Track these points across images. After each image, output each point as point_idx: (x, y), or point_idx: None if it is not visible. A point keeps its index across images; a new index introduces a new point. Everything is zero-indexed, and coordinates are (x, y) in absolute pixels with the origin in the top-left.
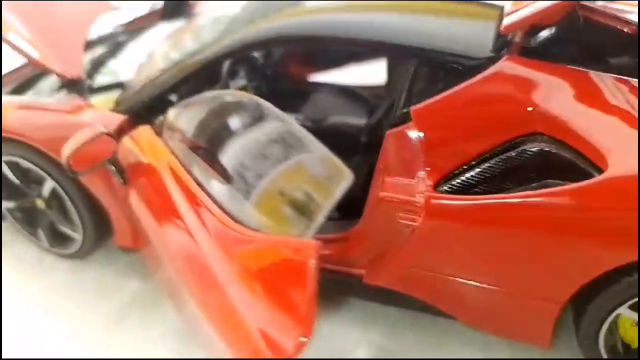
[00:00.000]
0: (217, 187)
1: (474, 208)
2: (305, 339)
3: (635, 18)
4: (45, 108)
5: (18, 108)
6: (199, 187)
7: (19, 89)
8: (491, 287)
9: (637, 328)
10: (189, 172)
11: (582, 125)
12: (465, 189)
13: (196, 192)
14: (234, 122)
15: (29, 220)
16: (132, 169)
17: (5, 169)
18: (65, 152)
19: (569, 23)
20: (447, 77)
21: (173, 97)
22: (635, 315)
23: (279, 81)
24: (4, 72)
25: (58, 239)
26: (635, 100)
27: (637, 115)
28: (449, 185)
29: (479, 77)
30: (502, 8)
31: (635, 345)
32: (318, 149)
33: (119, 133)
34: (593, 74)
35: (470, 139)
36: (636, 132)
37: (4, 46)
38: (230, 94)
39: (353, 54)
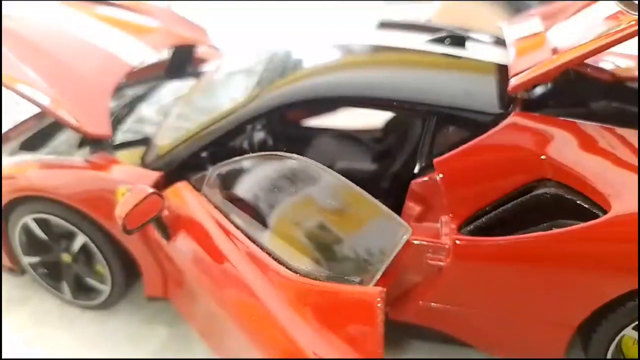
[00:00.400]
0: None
1: (497, 247)
2: None
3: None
4: (76, 166)
5: (42, 167)
6: (247, 238)
7: (28, 145)
8: (510, 316)
9: (637, 346)
10: (236, 226)
11: (585, 171)
12: (485, 231)
13: (246, 243)
14: (284, 181)
15: (53, 274)
16: (173, 224)
17: (33, 226)
18: (121, 212)
19: (563, 77)
20: (458, 130)
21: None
22: (636, 335)
23: (281, 127)
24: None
25: (82, 291)
26: (618, 144)
27: (626, 158)
28: (470, 228)
29: (493, 131)
30: (505, 66)
31: None
32: (378, 205)
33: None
34: (586, 125)
35: (487, 186)
36: (630, 174)
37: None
38: (277, 155)
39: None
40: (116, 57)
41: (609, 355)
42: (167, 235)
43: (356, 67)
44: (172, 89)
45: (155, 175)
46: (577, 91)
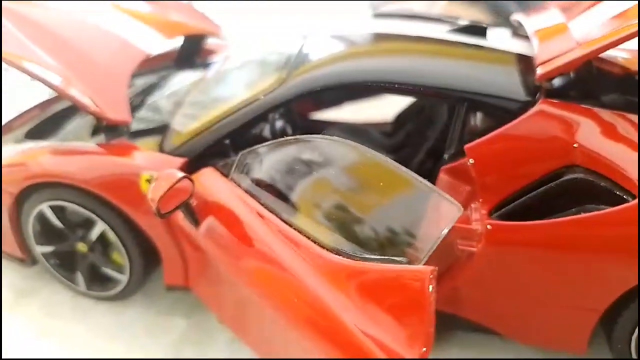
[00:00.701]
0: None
1: (528, 231)
2: (425, 349)
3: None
4: (94, 152)
5: (56, 153)
6: (282, 221)
7: (34, 134)
8: (538, 301)
9: None
10: (270, 209)
11: (613, 157)
12: (514, 217)
13: (282, 226)
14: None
15: (66, 264)
16: (201, 209)
17: (49, 213)
18: (154, 195)
19: (583, 68)
20: (487, 117)
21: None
22: None
23: (300, 119)
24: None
25: (97, 282)
26: (633, 130)
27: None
28: (500, 213)
29: (522, 117)
30: (526, 56)
31: None
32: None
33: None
34: (602, 112)
35: (517, 172)
36: None
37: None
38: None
39: (352, 93)
40: (131, 45)
41: (632, 343)
42: (196, 221)
43: (384, 54)
44: (183, 79)
45: (179, 161)
46: (593, 82)
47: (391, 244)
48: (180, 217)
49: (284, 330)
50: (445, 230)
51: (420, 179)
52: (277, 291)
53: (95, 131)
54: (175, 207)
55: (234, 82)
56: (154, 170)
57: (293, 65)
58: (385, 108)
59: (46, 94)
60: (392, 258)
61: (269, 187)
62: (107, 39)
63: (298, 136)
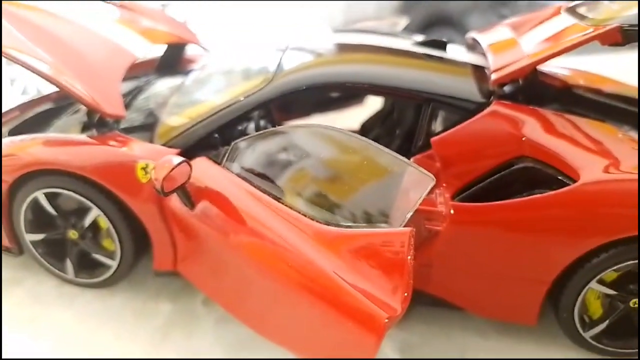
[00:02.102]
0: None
1: (486, 212)
2: (407, 294)
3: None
4: (89, 142)
5: (48, 144)
6: (275, 201)
7: (17, 133)
8: (495, 275)
9: (598, 302)
10: (262, 190)
11: (557, 148)
12: (474, 201)
13: (274, 203)
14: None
15: (55, 252)
16: (196, 193)
17: (44, 201)
18: (158, 175)
19: (529, 77)
20: (448, 115)
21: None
22: (601, 288)
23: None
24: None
25: (86, 269)
26: (570, 127)
27: (577, 137)
28: (461, 198)
29: (479, 115)
30: (479, 66)
31: (595, 316)
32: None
33: None
34: (546, 111)
35: (475, 162)
36: (585, 152)
37: None
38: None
39: (321, 103)
40: (122, 48)
41: (576, 311)
42: (192, 204)
43: (361, 61)
44: (166, 82)
45: (172, 152)
46: (538, 89)
47: (373, 214)
48: (172, 202)
49: (277, 299)
50: (422, 197)
51: (398, 155)
52: (271, 260)
53: (85, 127)
54: (177, 187)
55: (219, 83)
56: (150, 159)
57: (278, 68)
58: (348, 120)
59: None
60: (376, 225)
61: (259, 173)
62: (100, 42)
63: (285, 125)
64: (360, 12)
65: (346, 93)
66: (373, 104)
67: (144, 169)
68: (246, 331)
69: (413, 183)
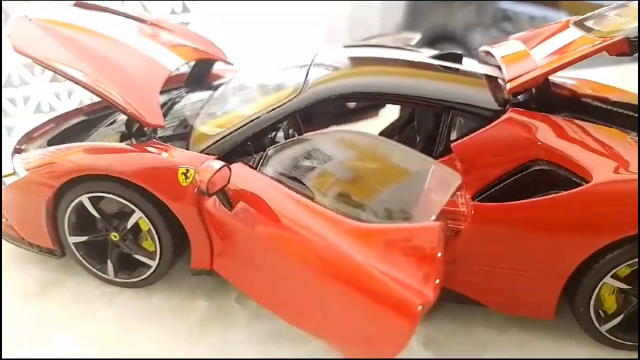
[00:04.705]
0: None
1: (505, 211)
2: (438, 281)
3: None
4: (133, 150)
5: (89, 151)
6: (309, 200)
7: (56, 143)
8: (515, 271)
9: (612, 297)
10: (296, 192)
11: (569, 151)
12: (493, 201)
13: (309, 203)
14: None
15: (96, 253)
16: (234, 195)
17: (88, 205)
18: (204, 177)
19: (544, 87)
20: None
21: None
22: (615, 283)
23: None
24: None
25: (126, 269)
26: (580, 132)
27: (588, 141)
28: (481, 198)
29: (496, 122)
30: (492, 76)
31: (610, 311)
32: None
33: None
34: (557, 117)
35: (494, 165)
36: (597, 155)
37: None
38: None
39: (338, 115)
40: (157, 62)
41: (592, 304)
42: (230, 205)
43: (385, 73)
44: (197, 96)
45: (210, 158)
46: (549, 98)
47: (401, 213)
48: (210, 204)
49: (313, 292)
50: (450, 194)
51: (424, 156)
52: (307, 254)
53: (123, 137)
54: (219, 189)
55: (249, 95)
56: (189, 165)
57: (306, 80)
58: (365, 130)
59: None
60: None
61: (292, 176)
62: (136, 56)
63: (315, 132)
64: (364, 29)
65: (372, 103)
66: (386, 116)
67: (184, 173)
68: (278, 325)
69: (440, 182)
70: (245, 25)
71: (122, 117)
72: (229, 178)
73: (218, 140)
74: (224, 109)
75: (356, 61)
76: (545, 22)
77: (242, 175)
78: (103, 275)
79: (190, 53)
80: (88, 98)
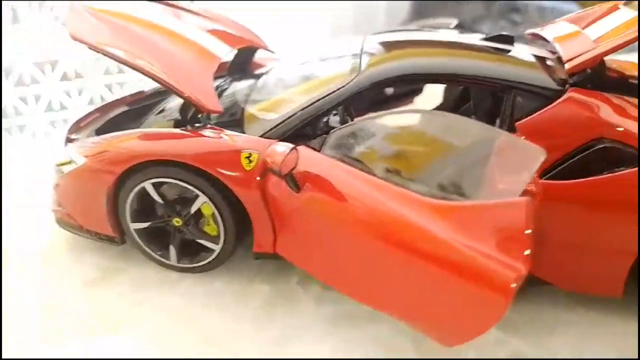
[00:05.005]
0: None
1: (574, 188)
2: (529, 251)
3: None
4: (194, 135)
5: (145, 138)
6: (380, 179)
7: (104, 131)
8: (584, 248)
9: None
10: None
11: (629, 128)
12: (558, 180)
13: (381, 183)
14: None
15: (158, 239)
16: (300, 177)
17: (152, 190)
18: (277, 159)
19: (598, 68)
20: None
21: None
22: None
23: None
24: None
25: (187, 255)
26: (634, 109)
27: None
28: (548, 177)
29: (558, 101)
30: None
31: None
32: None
33: None
34: (614, 97)
35: (559, 144)
36: None
37: None
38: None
39: (377, 101)
40: (207, 50)
41: None
42: (298, 187)
43: (440, 54)
44: (242, 84)
45: (272, 142)
46: (602, 79)
47: (481, 189)
48: (273, 187)
49: (394, 271)
50: (534, 170)
51: (505, 132)
52: (388, 233)
53: (177, 124)
54: (290, 171)
55: (301, 79)
56: (251, 149)
57: (362, 63)
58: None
59: None
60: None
61: (356, 158)
62: (187, 44)
63: (380, 113)
64: (372, 19)
65: (431, 83)
66: (421, 103)
67: (247, 157)
68: (344, 308)
69: (523, 157)
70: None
71: (171, 105)
72: (297, 161)
73: (277, 125)
74: (277, 94)
75: (409, 44)
76: (554, 13)
77: (307, 158)
78: (165, 261)
79: (235, 40)
80: (99, 95)
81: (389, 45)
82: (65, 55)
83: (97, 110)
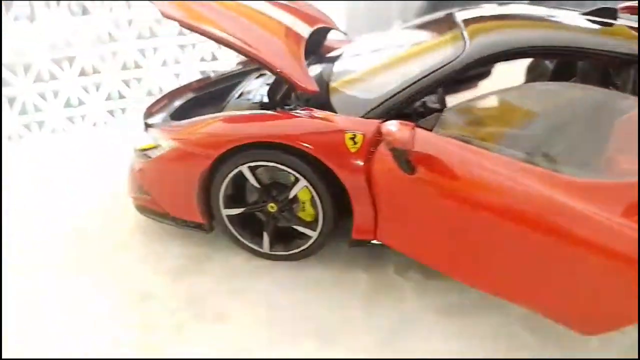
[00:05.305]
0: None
1: None
2: None
3: None
4: (297, 116)
5: (250, 119)
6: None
7: (178, 116)
8: None
9: None
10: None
11: None
12: None
13: (513, 161)
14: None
15: (250, 225)
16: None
17: (248, 174)
18: (402, 136)
19: None
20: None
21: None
22: None
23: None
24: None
25: (281, 242)
26: None
27: None
28: None
29: None
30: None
31: None
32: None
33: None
34: None
35: None
36: None
37: None
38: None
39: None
40: (292, 29)
41: None
42: (412, 169)
43: (549, 27)
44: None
45: (376, 122)
46: None
47: (616, 166)
48: (380, 169)
49: (531, 257)
50: None
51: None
52: (525, 215)
53: (264, 107)
54: (409, 147)
55: (396, 56)
56: (355, 130)
57: (463, 37)
58: None
59: None
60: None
61: (474, 136)
62: (274, 23)
63: (495, 90)
64: (384, 14)
65: (549, 58)
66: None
67: (352, 139)
68: (450, 297)
69: None
70: None
71: (250, 88)
72: (412, 139)
73: (379, 105)
74: (361, 71)
75: (510, 17)
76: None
77: (423, 138)
78: (257, 248)
79: (311, 20)
80: (116, 89)
81: (489, 18)
82: (83, 51)
83: (165, 97)
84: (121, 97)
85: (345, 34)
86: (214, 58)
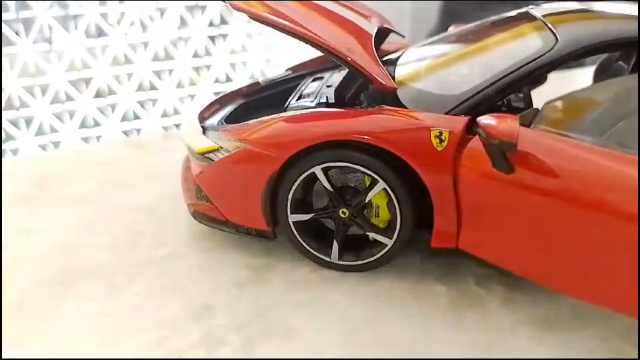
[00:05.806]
0: None
1: None
2: None
3: None
4: (382, 112)
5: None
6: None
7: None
8: None
9: None
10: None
11: None
12: None
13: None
14: None
15: (317, 233)
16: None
17: (321, 176)
18: (513, 130)
19: None
20: None
21: None
22: None
23: None
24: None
25: (350, 250)
26: None
27: None
28: None
29: None
30: None
31: None
32: None
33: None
34: None
35: None
36: None
37: None
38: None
39: None
40: (359, 27)
41: None
42: (511, 167)
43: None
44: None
45: (464, 119)
46: None
47: None
48: (468, 170)
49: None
50: None
51: None
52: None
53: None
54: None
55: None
56: (442, 127)
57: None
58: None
59: None
60: None
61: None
62: (343, 21)
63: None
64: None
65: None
66: None
67: (438, 136)
68: (537, 310)
69: None
70: None
71: (310, 91)
72: (517, 136)
73: (465, 100)
74: (442, 69)
75: (587, 12)
76: None
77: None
78: (325, 258)
79: (375, 21)
80: (132, 110)
81: (569, 13)
82: (99, 73)
83: (216, 101)
84: (136, 117)
85: (403, 36)
86: (228, 79)
